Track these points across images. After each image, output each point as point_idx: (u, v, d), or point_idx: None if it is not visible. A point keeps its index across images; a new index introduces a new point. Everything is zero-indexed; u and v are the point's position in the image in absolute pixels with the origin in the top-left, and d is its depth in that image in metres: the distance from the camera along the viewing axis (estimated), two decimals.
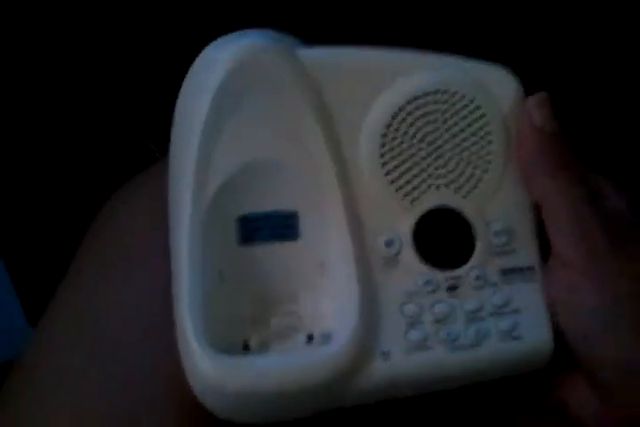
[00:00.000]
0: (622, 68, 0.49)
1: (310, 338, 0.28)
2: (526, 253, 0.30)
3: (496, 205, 0.30)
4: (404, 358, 0.28)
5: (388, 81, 0.29)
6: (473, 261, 0.30)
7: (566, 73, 0.49)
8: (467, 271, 0.30)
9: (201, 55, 0.29)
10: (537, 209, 0.30)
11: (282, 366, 0.26)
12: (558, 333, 0.29)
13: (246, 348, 0.28)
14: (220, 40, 0.29)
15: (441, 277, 0.29)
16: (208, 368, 0.26)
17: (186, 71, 0.29)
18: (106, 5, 0.51)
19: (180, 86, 0.30)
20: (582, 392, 0.29)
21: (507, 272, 0.30)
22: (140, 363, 0.28)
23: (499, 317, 0.29)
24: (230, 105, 0.28)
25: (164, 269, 0.28)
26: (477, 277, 0.30)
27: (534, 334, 0.29)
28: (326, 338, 0.28)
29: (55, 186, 0.53)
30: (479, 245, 0.30)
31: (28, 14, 0.51)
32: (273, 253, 0.29)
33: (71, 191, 0.53)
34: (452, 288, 0.29)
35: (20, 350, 0.30)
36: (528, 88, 0.30)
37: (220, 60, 0.28)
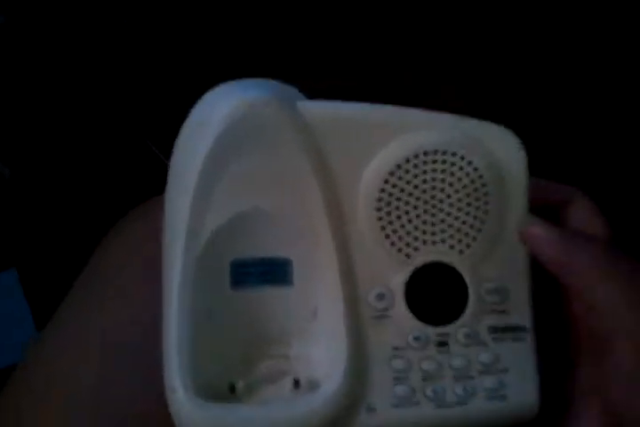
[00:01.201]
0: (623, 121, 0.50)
1: (297, 383, 0.28)
2: (519, 313, 0.31)
3: (491, 264, 0.31)
4: (390, 412, 0.28)
5: (389, 138, 0.30)
6: (464, 318, 0.30)
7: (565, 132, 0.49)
8: (457, 328, 0.30)
9: (199, 103, 0.30)
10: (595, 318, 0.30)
11: (267, 418, 0.27)
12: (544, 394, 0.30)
13: (232, 390, 0.28)
14: (216, 90, 0.30)
15: (431, 332, 0.30)
16: (194, 416, 0.26)
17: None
18: (108, 12, 0.52)
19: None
20: None
21: (497, 331, 0.30)
22: (128, 390, 0.28)
23: (486, 375, 0.30)
24: (228, 154, 0.29)
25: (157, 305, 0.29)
26: (467, 335, 0.30)
27: (521, 394, 0.30)
28: (313, 385, 0.28)
29: (60, 190, 0.54)
30: (471, 303, 0.30)
31: (29, 23, 0.53)
32: (265, 298, 0.30)
33: (77, 193, 0.53)
34: (441, 344, 0.30)
35: None
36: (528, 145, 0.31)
37: (220, 111, 0.28)
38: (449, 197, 0.30)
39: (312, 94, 0.31)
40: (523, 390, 0.30)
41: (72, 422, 0.29)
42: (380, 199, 0.30)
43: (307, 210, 0.29)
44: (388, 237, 0.30)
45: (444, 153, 0.30)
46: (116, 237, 0.34)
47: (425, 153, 0.30)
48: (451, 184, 0.30)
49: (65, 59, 0.53)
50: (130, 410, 0.28)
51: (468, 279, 0.30)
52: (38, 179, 0.54)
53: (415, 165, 0.30)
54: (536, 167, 0.32)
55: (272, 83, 0.30)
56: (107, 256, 0.33)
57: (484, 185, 0.30)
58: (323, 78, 0.31)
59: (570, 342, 0.31)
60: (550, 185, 0.34)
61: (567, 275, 0.30)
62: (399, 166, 0.30)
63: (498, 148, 0.31)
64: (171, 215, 0.30)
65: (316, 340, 0.30)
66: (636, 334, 0.28)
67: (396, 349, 0.29)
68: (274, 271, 0.30)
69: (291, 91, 0.30)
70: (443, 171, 0.30)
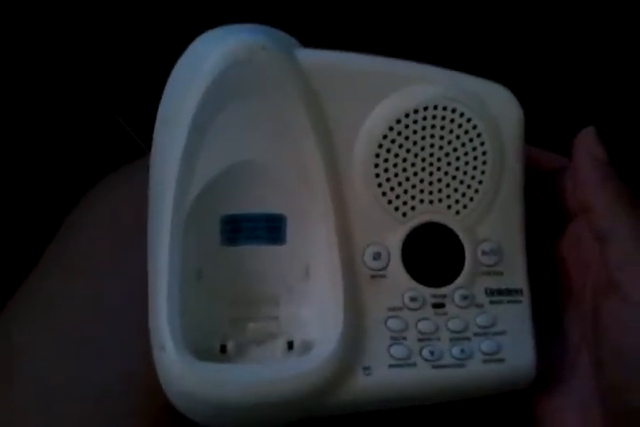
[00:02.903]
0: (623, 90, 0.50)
1: (290, 345, 0.27)
2: (514, 275, 0.30)
3: (487, 225, 0.30)
4: (386, 373, 0.27)
5: (389, 91, 0.29)
6: (460, 280, 0.29)
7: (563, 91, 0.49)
8: (453, 290, 0.29)
9: (190, 49, 0.28)
10: (599, 243, 0.29)
11: (262, 378, 0.25)
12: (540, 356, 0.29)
13: (223, 350, 0.26)
14: (210, 33, 0.28)
15: (427, 293, 0.29)
16: (185, 375, 0.25)
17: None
18: None
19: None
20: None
21: (493, 293, 0.30)
22: (111, 355, 0.27)
23: (483, 337, 0.29)
24: (221, 103, 0.27)
25: (143, 264, 0.27)
26: (464, 297, 0.29)
27: (518, 357, 0.29)
28: (306, 347, 0.27)
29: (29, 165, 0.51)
30: (467, 265, 0.29)
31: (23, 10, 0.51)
32: (256, 256, 0.28)
33: (42, 163, 0.51)
34: (437, 306, 0.29)
35: None
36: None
37: (211, 56, 0.27)
38: (447, 155, 0.29)
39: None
40: (520, 354, 0.29)
41: (48, 396, 0.27)
42: (377, 155, 0.29)
43: (303, 164, 0.28)
44: (384, 194, 0.29)
45: (445, 109, 0.29)
46: (87, 207, 0.32)
47: (425, 108, 0.29)
48: (449, 142, 0.29)
49: (32, 23, 0.50)
50: (112, 373, 0.27)
51: (464, 240, 0.30)
52: (4, 147, 0.51)
53: (415, 121, 0.29)
54: (531, 137, 0.31)
55: (267, 28, 0.28)
56: (79, 226, 0.31)
57: (482, 144, 0.30)
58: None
59: (559, 298, 0.31)
60: (544, 153, 0.33)
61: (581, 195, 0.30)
62: (398, 121, 0.29)
63: (497, 107, 0.30)
64: (158, 168, 0.28)
65: (307, 300, 0.28)
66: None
67: (391, 309, 0.28)
68: (266, 228, 0.28)
69: (288, 38, 0.29)
70: (442, 127, 0.29)
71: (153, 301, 0.26)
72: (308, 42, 0.30)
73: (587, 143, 0.30)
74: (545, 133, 0.35)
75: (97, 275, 0.29)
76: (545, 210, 0.33)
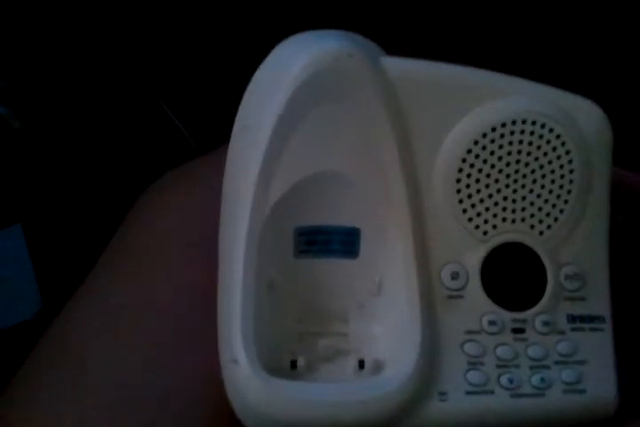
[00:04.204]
0: None
1: (361, 364, 0.26)
2: (597, 302, 0.28)
3: (571, 248, 0.29)
4: (463, 399, 0.26)
5: (475, 104, 0.27)
6: (542, 304, 0.28)
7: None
8: (534, 315, 0.28)
9: (274, 54, 0.28)
10: None
11: (336, 399, 0.24)
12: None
13: (294, 366, 0.25)
14: (295, 39, 0.28)
15: (507, 317, 0.27)
16: (257, 390, 0.24)
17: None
18: None
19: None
20: None
21: (575, 320, 0.28)
22: (174, 365, 0.26)
23: (564, 366, 0.27)
24: (305, 110, 0.26)
25: (198, 269, 0.27)
26: (545, 323, 0.28)
27: (599, 387, 0.27)
28: (378, 366, 0.26)
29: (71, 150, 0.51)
30: (550, 289, 0.28)
31: None
32: (329, 269, 0.27)
33: (87, 149, 0.51)
34: (517, 331, 0.27)
35: (30, 314, 0.28)
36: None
37: (296, 62, 0.26)
38: (533, 172, 0.28)
39: None
40: (602, 384, 0.28)
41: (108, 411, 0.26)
42: (460, 170, 0.28)
43: (382, 176, 0.27)
44: (465, 211, 0.28)
45: (533, 123, 0.28)
46: (151, 204, 0.31)
47: (513, 122, 0.28)
48: (536, 158, 0.28)
49: (80, 13, 0.51)
50: (175, 382, 0.26)
51: (546, 263, 0.28)
52: (48, 133, 0.51)
53: (501, 135, 0.28)
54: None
55: (355, 35, 0.28)
56: (140, 224, 0.30)
57: (569, 162, 0.28)
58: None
59: None
60: (627, 174, 0.32)
61: None
62: (484, 135, 0.28)
63: (585, 122, 0.29)
64: (235, 175, 0.27)
65: (378, 317, 0.27)
66: None
67: (469, 333, 0.27)
68: (340, 241, 0.27)
69: (374, 46, 0.28)
70: (529, 143, 0.28)
71: (225, 312, 0.25)
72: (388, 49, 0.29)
73: None
74: (629, 153, 0.34)
75: (154, 288, 0.28)
76: (626, 234, 0.32)
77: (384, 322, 0.27)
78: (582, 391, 0.27)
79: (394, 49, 0.29)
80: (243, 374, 0.24)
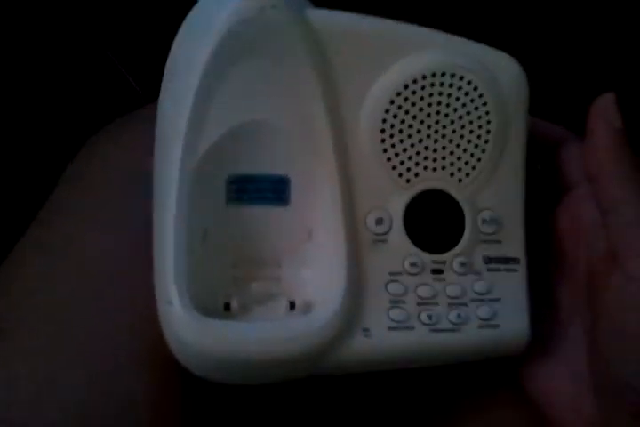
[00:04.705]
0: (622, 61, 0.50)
1: (292, 305, 0.27)
2: (512, 244, 0.30)
3: (488, 195, 0.30)
4: (385, 335, 0.28)
5: (398, 55, 0.29)
6: (460, 247, 0.30)
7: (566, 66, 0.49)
8: (452, 257, 0.30)
9: (199, 4, 0.28)
10: (603, 213, 0.29)
11: (265, 336, 0.26)
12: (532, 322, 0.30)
13: (227, 308, 0.27)
14: None
15: (427, 259, 0.29)
16: (190, 329, 0.25)
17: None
18: None
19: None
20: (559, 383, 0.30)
21: (491, 261, 0.30)
22: (113, 304, 0.27)
23: (480, 304, 0.29)
24: (230, 62, 0.27)
25: (144, 214, 0.28)
26: (463, 264, 0.29)
27: (512, 323, 0.30)
28: (307, 307, 0.27)
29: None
30: (467, 232, 0.30)
31: None
32: (260, 216, 0.28)
33: (38, 106, 0.50)
34: (437, 271, 0.29)
35: None
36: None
37: (221, 13, 0.26)
38: (452, 122, 0.30)
39: None
40: (514, 320, 0.30)
41: (53, 349, 0.26)
42: (384, 120, 0.29)
43: (309, 126, 0.28)
44: (389, 160, 0.29)
45: (452, 76, 0.29)
46: (87, 156, 0.32)
47: (433, 74, 0.29)
48: (455, 109, 0.30)
49: None
50: (117, 326, 0.27)
51: (465, 208, 0.30)
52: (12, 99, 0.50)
53: (422, 87, 0.29)
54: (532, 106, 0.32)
55: None
56: (86, 169, 0.31)
57: (487, 113, 0.30)
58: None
59: (554, 269, 0.31)
60: (545, 124, 0.34)
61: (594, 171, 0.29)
62: (406, 86, 0.29)
63: (503, 75, 0.30)
64: (165, 126, 0.28)
65: (309, 262, 0.29)
66: None
67: (392, 274, 0.29)
68: (271, 189, 0.29)
69: None
70: (449, 95, 0.29)
71: (160, 257, 0.26)
72: (319, 2, 0.29)
73: (605, 109, 0.30)
74: (547, 104, 0.35)
75: (100, 225, 0.29)
76: (543, 181, 0.34)
77: (314, 266, 0.28)
78: (496, 326, 0.29)
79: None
80: (176, 315, 0.25)
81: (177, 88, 0.28)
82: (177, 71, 0.28)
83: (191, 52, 0.27)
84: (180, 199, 0.27)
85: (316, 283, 0.28)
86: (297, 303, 0.27)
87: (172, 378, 0.27)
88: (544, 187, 0.34)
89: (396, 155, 0.29)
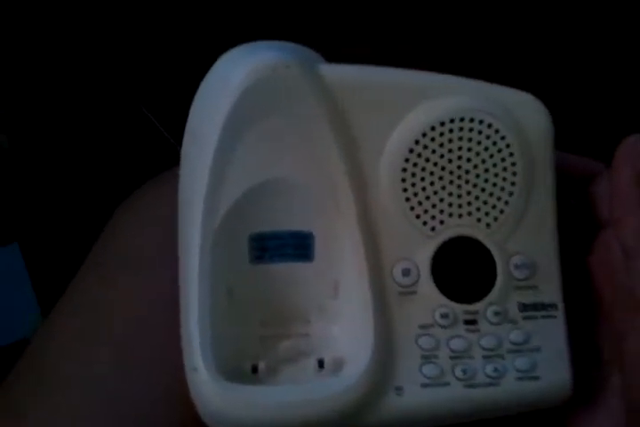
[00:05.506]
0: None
1: (321, 364, 0.27)
2: (548, 289, 0.29)
3: (519, 238, 0.29)
4: (418, 393, 0.27)
5: (414, 104, 0.28)
6: (493, 295, 0.29)
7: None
8: (486, 306, 0.28)
9: (216, 66, 0.28)
10: (625, 259, 0.28)
11: (293, 400, 0.25)
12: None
13: (255, 370, 0.26)
14: (234, 52, 0.28)
15: (459, 310, 0.28)
16: (217, 396, 0.25)
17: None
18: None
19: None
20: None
21: (527, 308, 0.29)
22: (144, 374, 0.27)
23: (517, 354, 0.28)
24: (247, 122, 0.27)
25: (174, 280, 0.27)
26: (497, 313, 0.28)
27: (553, 374, 0.28)
28: (338, 365, 0.27)
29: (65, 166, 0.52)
30: (499, 279, 0.29)
31: None
32: (285, 273, 0.28)
33: (76, 163, 0.51)
34: (469, 322, 0.28)
35: (31, 330, 0.29)
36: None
37: (236, 74, 0.27)
38: (475, 167, 0.29)
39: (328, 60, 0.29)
40: (556, 371, 0.28)
41: (84, 413, 0.26)
42: (404, 169, 0.28)
43: (328, 181, 0.28)
44: (412, 209, 0.29)
45: (472, 120, 0.28)
46: (128, 212, 0.32)
47: (451, 120, 0.28)
48: (477, 154, 0.29)
49: (62, 25, 0.51)
50: (148, 395, 0.27)
51: (495, 254, 0.29)
52: (37, 148, 0.52)
53: (441, 133, 0.28)
54: (560, 140, 0.31)
55: (291, 45, 0.28)
56: (119, 233, 0.31)
57: (511, 155, 0.29)
58: (335, 45, 0.29)
59: (592, 313, 0.30)
60: (575, 159, 0.32)
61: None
62: (424, 134, 0.28)
63: (525, 116, 0.29)
64: (186, 187, 0.28)
65: (337, 318, 0.28)
66: None
67: (422, 327, 0.28)
68: (294, 245, 0.28)
69: (311, 54, 0.29)
70: (469, 139, 0.29)
71: (185, 321, 0.26)
72: (334, 57, 0.29)
73: (630, 153, 0.29)
74: (575, 138, 0.34)
75: (135, 277, 0.29)
76: (579, 217, 0.32)
77: (342, 322, 0.28)
78: (536, 378, 0.28)
79: (349, 51, 0.29)
80: (202, 382, 0.25)
81: (197, 148, 0.28)
82: (196, 132, 0.28)
83: (208, 113, 0.27)
84: (203, 260, 0.27)
85: (345, 339, 0.27)
86: (326, 361, 0.27)
87: None
88: (580, 223, 0.32)
89: (420, 203, 0.29)
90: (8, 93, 0.53)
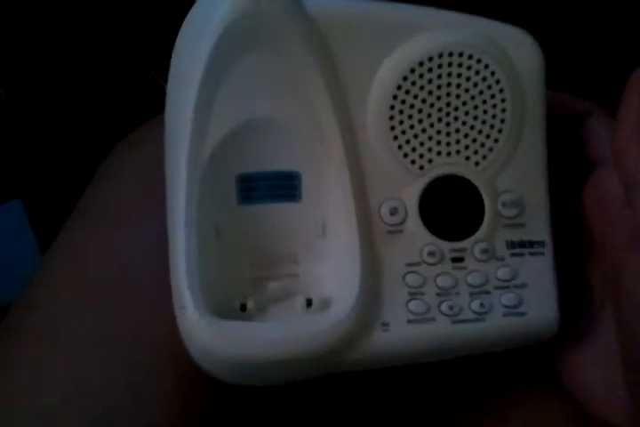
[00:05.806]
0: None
1: (309, 303, 0.27)
2: (537, 227, 0.29)
3: (508, 176, 0.29)
4: (405, 328, 0.27)
5: (402, 39, 0.28)
6: (480, 232, 0.29)
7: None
8: (473, 243, 0.28)
9: (195, 6, 0.27)
10: (627, 191, 0.27)
11: (281, 336, 0.25)
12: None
13: (244, 309, 0.26)
14: None
15: (446, 247, 0.28)
16: (205, 333, 0.25)
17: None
18: None
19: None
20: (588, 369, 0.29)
21: (515, 245, 0.29)
22: (133, 314, 0.27)
23: (504, 291, 0.28)
24: (231, 59, 0.26)
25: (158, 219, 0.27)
26: (483, 250, 0.28)
27: (540, 310, 0.29)
28: (325, 304, 0.27)
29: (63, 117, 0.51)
30: (487, 217, 0.29)
31: None
32: (273, 214, 0.28)
33: (75, 116, 0.51)
34: (457, 260, 0.28)
35: None
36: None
37: (218, 9, 0.26)
38: (465, 104, 0.28)
39: None
40: (542, 307, 0.29)
41: (76, 354, 0.27)
42: (392, 107, 0.28)
43: (315, 119, 0.27)
44: (400, 147, 0.28)
45: (461, 55, 0.28)
46: (114, 160, 0.32)
47: (440, 55, 0.28)
48: (466, 90, 0.28)
49: None
50: (137, 336, 0.27)
51: (483, 192, 0.29)
52: (36, 102, 0.51)
53: (430, 69, 0.28)
54: (551, 80, 0.30)
55: None
56: (105, 184, 0.31)
57: (501, 91, 0.29)
58: None
59: (582, 251, 0.30)
60: (566, 97, 0.32)
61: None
62: (412, 70, 0.28)
63: (516, 52, 0.29)
64: (172, 129, 0.28)
65: (325, 257, 0.28)
66: None
67: (409, 265, 0.28)
68: (282, 186, 0.28)
69: None
70: (459, 75, 0.28)
71: (173, 262, 0.26)
72: None
73: None
74: (567, 77, 0.34)
75: (119, 227, 0.29)
76: (571, 156, 0.32)
77: (330, 262, 0.28)
78: (523, 314, 0.28)
79: None
80: (190, 319, 0.25)
81: (180, 88, 0.27)
82: (179, 72, 0.27)
83: (191, 52, 0.27)
84: (190, 201, 0.26)
85: (333, 278, 0.28)
86: (314, 300, 0.27)
87: (196, 382, 0.27)
88: (572, 162, 0.32)
89: (407, 141, 0.28)
90: (5, 46, 0.52)
